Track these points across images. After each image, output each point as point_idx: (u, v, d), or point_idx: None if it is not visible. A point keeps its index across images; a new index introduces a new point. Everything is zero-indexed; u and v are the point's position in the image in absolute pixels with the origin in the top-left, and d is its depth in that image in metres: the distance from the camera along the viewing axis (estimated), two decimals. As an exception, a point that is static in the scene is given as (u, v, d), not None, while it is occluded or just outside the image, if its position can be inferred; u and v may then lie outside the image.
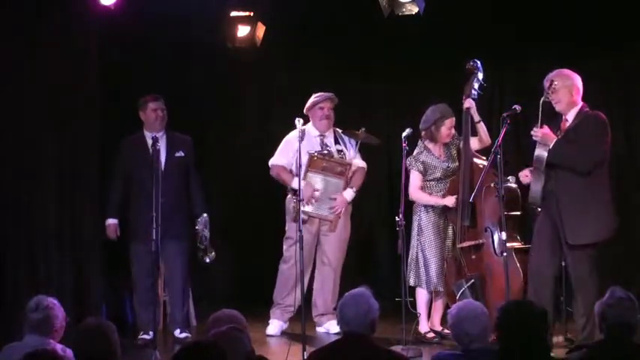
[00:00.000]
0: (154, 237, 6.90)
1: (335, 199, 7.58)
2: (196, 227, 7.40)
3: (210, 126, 9.04)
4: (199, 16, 8.06)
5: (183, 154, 7.49)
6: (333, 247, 7.64)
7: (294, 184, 7.38)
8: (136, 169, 7.36)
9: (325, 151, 7.63)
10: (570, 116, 6.58)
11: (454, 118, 7.26)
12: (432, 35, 8.70)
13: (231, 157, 9.29)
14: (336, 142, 7.70)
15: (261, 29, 8.58)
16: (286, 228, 7.71)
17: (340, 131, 7.73)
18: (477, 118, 7.15)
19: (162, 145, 7.33)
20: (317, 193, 7.53)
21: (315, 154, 7.56)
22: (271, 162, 7.74)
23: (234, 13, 8.57)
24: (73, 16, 7.54)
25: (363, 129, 7.66)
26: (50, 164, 7.53)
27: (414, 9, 7.45)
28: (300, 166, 7.20)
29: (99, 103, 7.79)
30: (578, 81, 6.60)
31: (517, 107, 6.69)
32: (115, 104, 7.96)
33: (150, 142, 7.26)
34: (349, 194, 7.64)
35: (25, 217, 7.43)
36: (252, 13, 8.55)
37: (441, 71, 8.61)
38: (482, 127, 7.18)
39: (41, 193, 7.48)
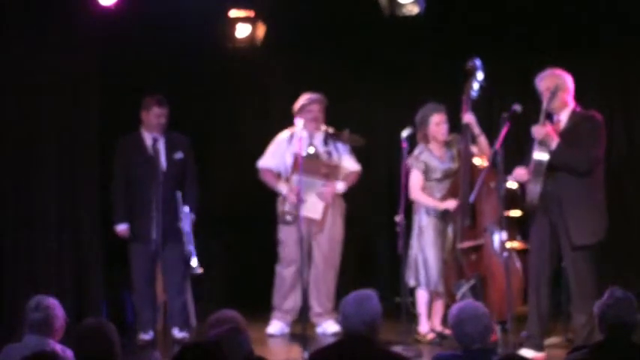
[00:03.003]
0: (154, 237, 6.92)
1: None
2: (179, 224, 7.32)
3: (209, 126, 9.04)
4: (199, 16, 8.05)
5: (182, 156, 7.48)
6: (326, 247, 7.61)
7: (280, 187, 7.46)
8: (135, 170, 7.35)
9: (311, 151, 7.59)
10: (563, 117, 6.59)
11: (442, 114, 7.27)
12: (432, 35, 8.70)
13: (230, 158, 9.29)
14: (325, 143, 7.68)
15: (261, 29, 8.58)
16: (278, 230, 7.71)
17: (332, 132, 7.69)
18: (477, 131, 7.14)
19: (161, 147, 7.35)
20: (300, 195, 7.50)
21: (301, 155, 7.53)
22: (260, 164, 7.73)
23: (234, 13, 8.57)
24: (73, 17, 7.54)
25: (347, 130, 7.64)
26: (50, 164, 7.53)
27: (414, 9, 7.46)
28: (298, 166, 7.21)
29: (99, 104, 7.79)
30: (569, 81, 6.62)
31: (517, 107, 6.68)
32: (115, 104, 7.95)
33: (149, 142, 7.29)
34: (341, 186, 7.62)
35: (25, 216, 7.43)
36: (252, 13, 8.55)
37: (441, 71, 8.61)
38: (482, 141, 7.15)
39: (41, 193, 7.48)
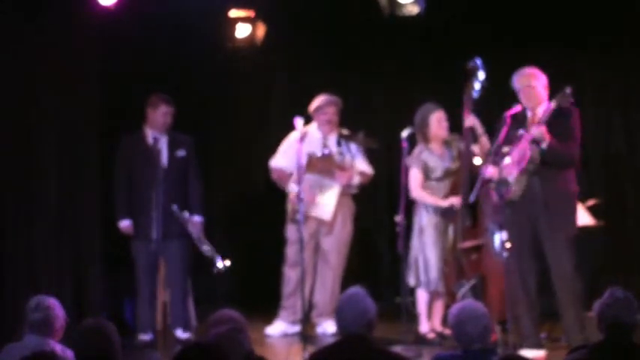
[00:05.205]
0: (154, 237, 6.92)
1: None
2: (190, 230, 7.32)
3: (210, 126, 9.04)
4: (199, 16, 8.06)
5: (184, 154, 7.49)
6: (332, 248, 7.63)
7: (291, 187, 7.43)
8: (137, 168, 7.36)
9: (326, 151, 7.62)
10: (539, 112, 6.62)
11: (441, 111, 7.27)
12: (432, 35, 8.70)
13: (231, 158, 9.30)
14: (339, 144, 7.68)
15: (261, 29, 8.59)
16: (287, 229, 7.71)
17: (346, 133, 7.68)
18: (480, 131, 7.11)
19: (163, 145, 7.36)
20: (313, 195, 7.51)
21: (314, 155, 7.55)
22: (272, 164, 7.74)
23: (234, 13, 8.57)
24: (73, 17, 7.54)
25: (362, 132, 7.66)
26: (50, 164, 7.53)
27: (414, 10, 7.46)
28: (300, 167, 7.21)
29: (99, 103, 7.79)
30: (544, 78, 6.68)
31: (517, 107, 6.69)
32: (115, 104, 7.96)
33: (151, 140, 7.29)
34: (357, 179, 7.62)
35: (24, 216, 7.43)
36: (252, 13, 8.55)
37: (441, 71, 8.61)
38: (484, 141, 7.11)
39: (41, 193, 7.48)
